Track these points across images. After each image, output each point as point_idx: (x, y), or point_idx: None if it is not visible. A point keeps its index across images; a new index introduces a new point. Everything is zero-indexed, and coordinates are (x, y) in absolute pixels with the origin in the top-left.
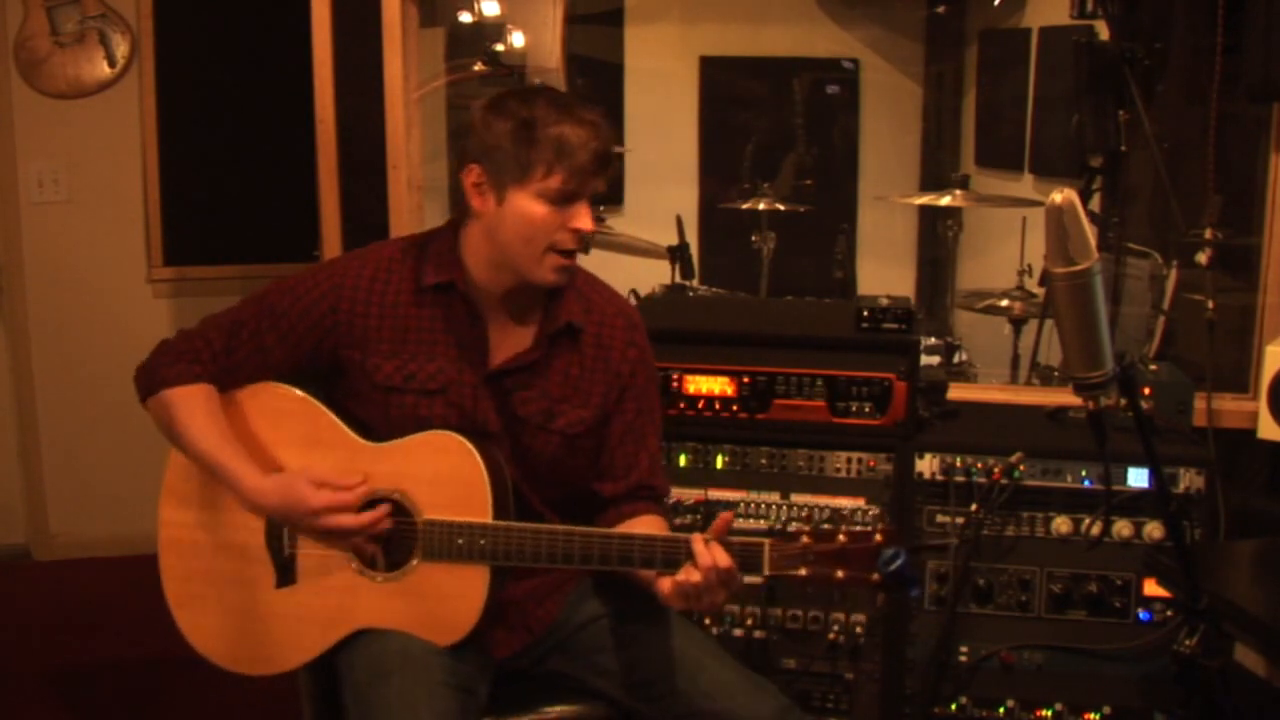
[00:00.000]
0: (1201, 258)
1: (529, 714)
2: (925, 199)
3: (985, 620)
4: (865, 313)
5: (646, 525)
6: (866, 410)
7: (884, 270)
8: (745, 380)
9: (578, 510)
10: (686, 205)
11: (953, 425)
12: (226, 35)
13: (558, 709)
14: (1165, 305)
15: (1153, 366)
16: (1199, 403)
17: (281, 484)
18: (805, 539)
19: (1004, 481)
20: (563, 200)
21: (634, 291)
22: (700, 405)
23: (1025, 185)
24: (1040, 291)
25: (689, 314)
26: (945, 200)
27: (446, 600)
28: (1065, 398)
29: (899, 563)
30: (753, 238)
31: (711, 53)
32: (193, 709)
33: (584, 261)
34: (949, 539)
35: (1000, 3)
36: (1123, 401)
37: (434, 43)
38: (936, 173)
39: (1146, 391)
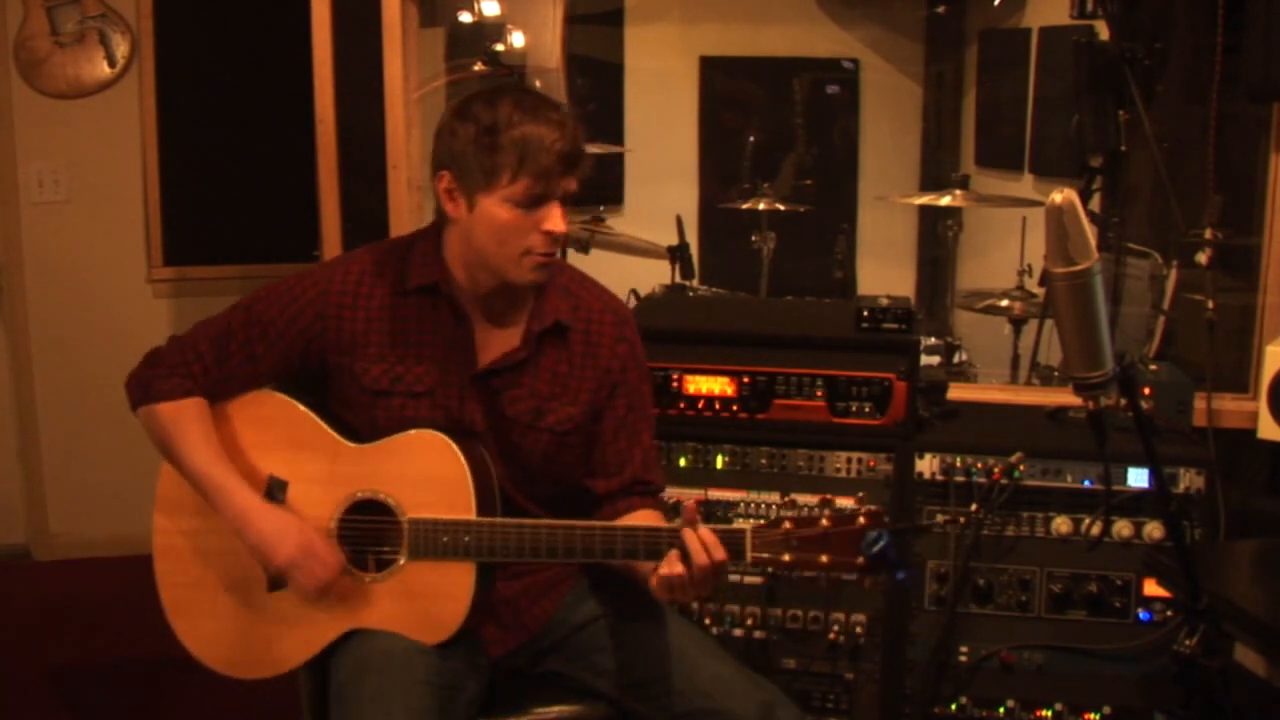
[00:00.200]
0: (1201, 258)
1: (527, 714)
2: (925, 199)
3: (985, 620)
4: (865, 313)
5: (640, 519)
6: (866, 410)
7: (884, 270)
8: (745, 380)
9: (569, 509)
10: (686, 205)
11: (953, 425)
12: (226, 35)
13: (556, 709)
14: (1165, 305)
15: (1153, 366)
16: (1199, 403)
17: (277, 520)
18: (788, 524)
19: (1004, 481)
20: (531, 203)
21: (634, 291)
22: (700, 405)
23: (1025, 185)
24: (1040, 291)
25: (689, 314)
26: (945, 200)
27: (434, 598)
28: (1065, 398)
29: (882, 544)
30: (753, 238)
31: (711, 53)
32: (193, 709)
33: (585, 261)
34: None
35: (1000, 3)
36: (1123, 401)
37: (434, 43)
38: (936, 173)
39: (1146, 391)
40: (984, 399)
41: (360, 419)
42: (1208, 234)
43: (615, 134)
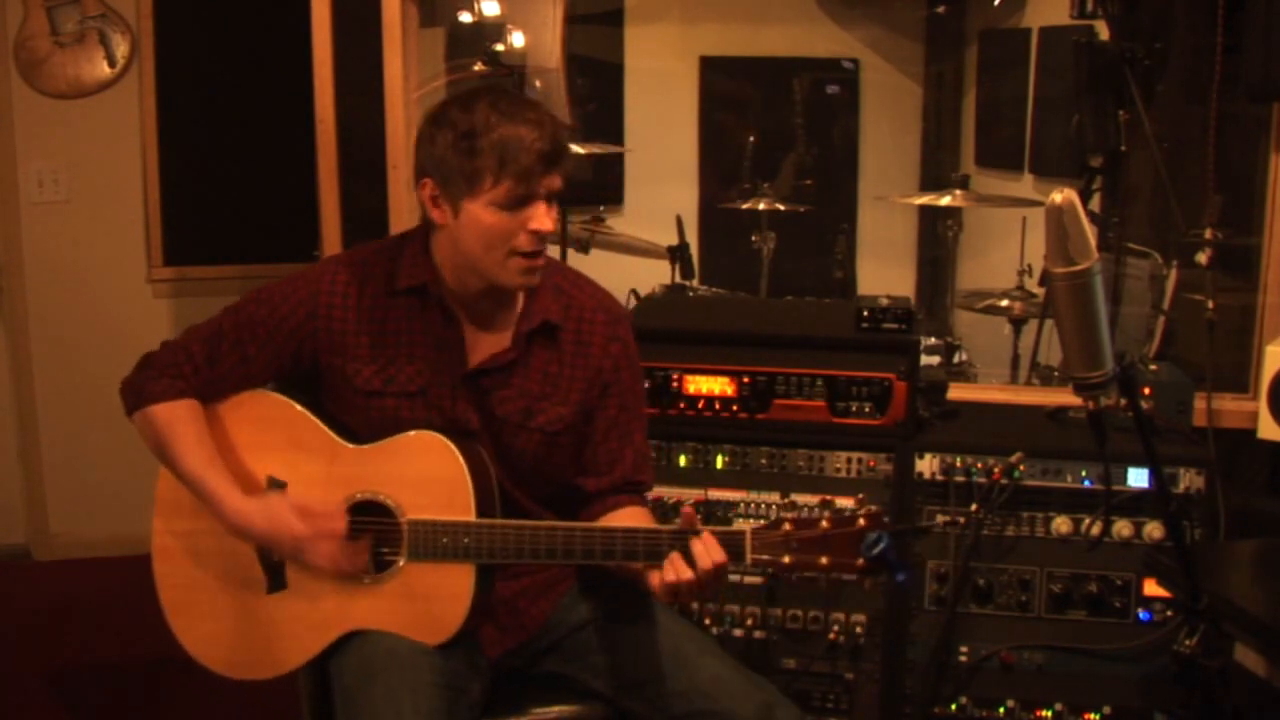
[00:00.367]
0: (1201, 258)
1: (527, 715)
2: (925, 199)
3: (985, 620)
4: (865, 313)
5: (630, 517)
6: (866, 410)
7: (884, 270)
8: (745, 380)
9: (566, 506)
10: (686, 205)
11: (953, 425)
12: (226, 35)
13: (555, 709)
14: (1165, 305)
15: (1153, 366)
16: (1199, 403)
17: (265, 509)
18: (788, 526)
19: (1004, 481)
20: (515, 204)
21: (634, 291)
22: (700, 405)
23: (1025, 185)
24: (1040, 291)
25: (689, 314)
26: (945, 200)
27: (434, 600)
28: (1065, 398)
29: (882, 546)
30: (753, 238)
31: (711, 53)
32: (193, 709)
33: (585, 261)
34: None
35: (1000, 3)
36: (1123, 401)
37: (434, 43)
38: (936, 173)
39: (1146, 391)
40: (984, 399)
41: (356, 420)
42: (1208, 234)
43: (615, 134)
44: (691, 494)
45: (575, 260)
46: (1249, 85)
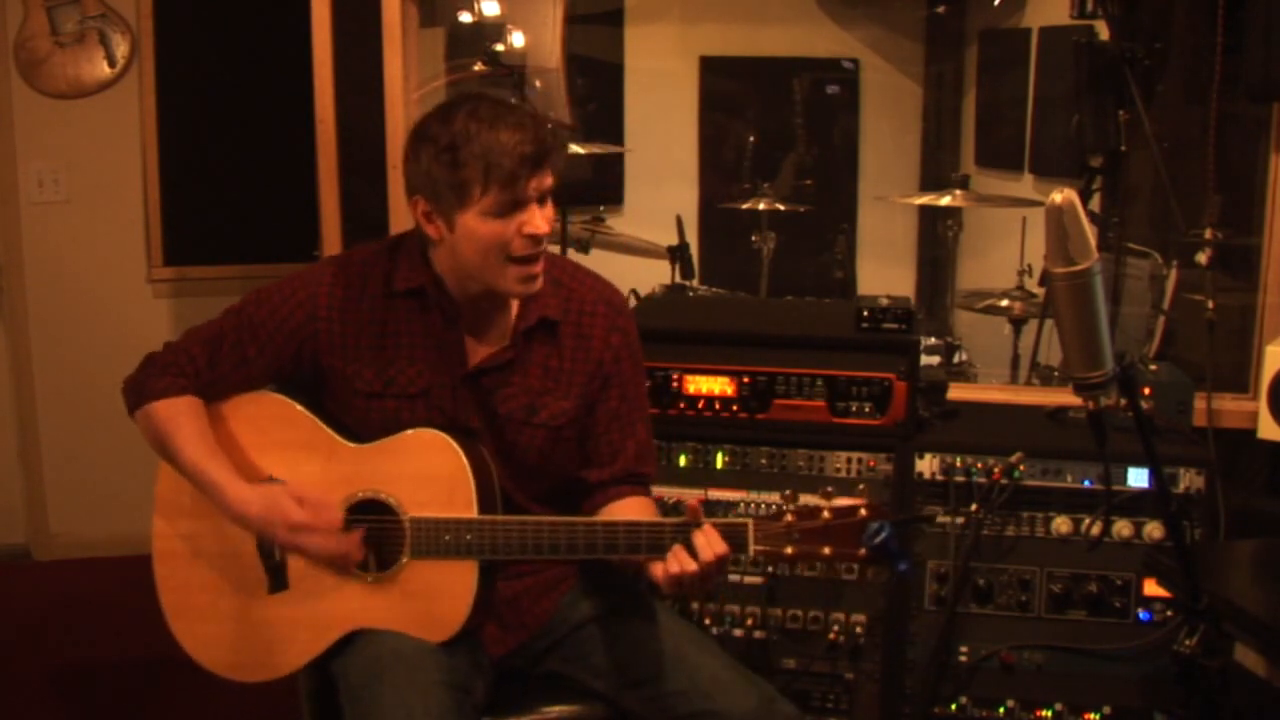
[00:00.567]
0: (1201, 258)
1: (527, 714)
2: (925, 199)
3: (985, 620)
4: (865, 313)
5: (632, 508)
6: (866, 410)
7: (884, 270)
8: (745, 380)
9: (567, 505)
10: (686, 205)
11: (953, 425)
12: (226, 35)
13: (556, 709)
14: (1165, 305)
15: (1153, 366)
16: (1199, 403)
17: (264, 495)
18: (790, 517)
19: (1004, 481)
20: (507, 210)
21: (634, 291)
22: (700, 405)
23: (1025, 185)
24: (1040, 291)
25: (689, 314)
26: (945, 200)
27: (437, 597)
28: (1065, 398)
29: (884, 535)
30: (753, 238)
31: (711, 53)
32: (193, 709)
33: (585, 261)
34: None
35: (1000, 3)
36: (1123, 401)
37: (434, 43)
38: (936, 173)
39: (1146, 391)
40: (984, 399)
41: (356, 421)
42: (1208, 234)
43: (615, 134)
44: (691, 494)
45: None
46: (1249, 85)
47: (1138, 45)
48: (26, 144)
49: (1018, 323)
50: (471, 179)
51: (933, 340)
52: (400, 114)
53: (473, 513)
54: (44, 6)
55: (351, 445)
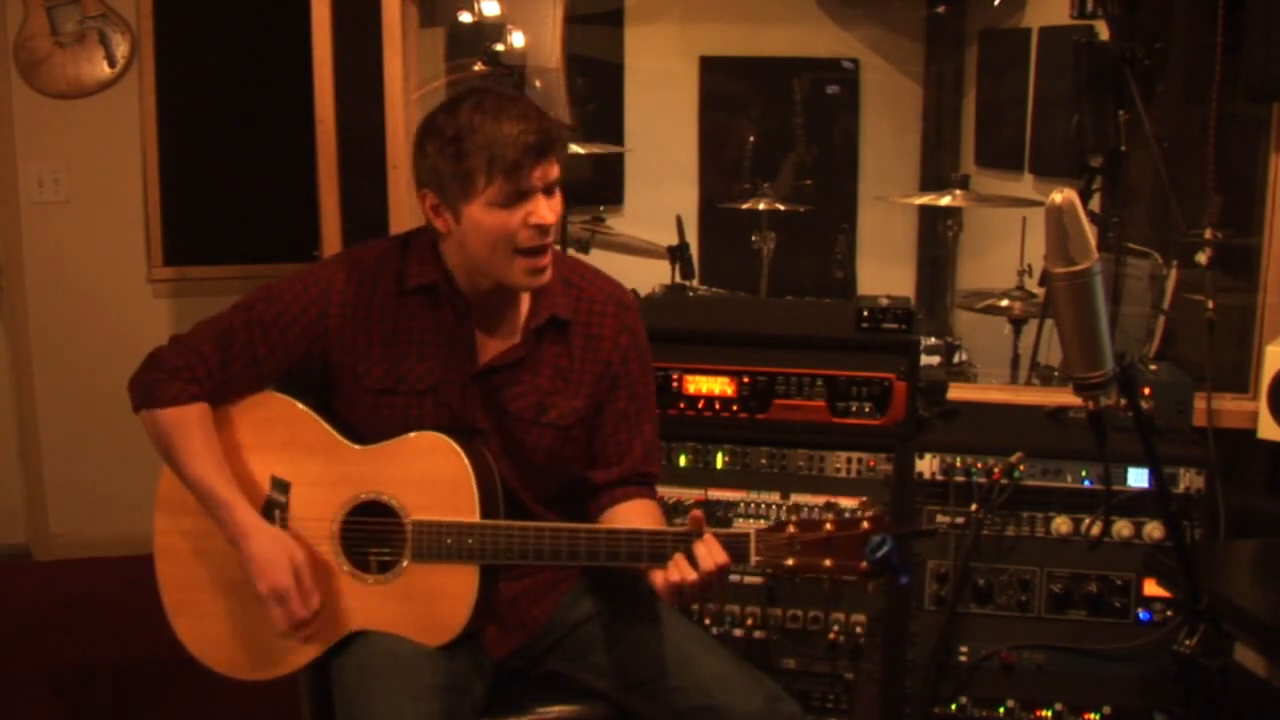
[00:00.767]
0: (1201, 258)
1: (527, 714)
2: (925, 199)
3: (985, 620)
4: (865, 313)
5: (638, 510)
6: (866, 410)
7: (884, 270)
8: (745, 380)
9: (570, 504)
10: (686, 205)
11: (953, 425)
12: (226, 35)
13: (556, 709)
14: (1165, 305)
15: (1153, 366)
16: (1199, 403)
17: (272, 543)
18: (792, 528)
19: (1004, 481)
20: (513, 201)
21: (634, 292)
22: (700, 405)
23: (1025, 185)
24: (1040, 291)
25: (689, 314)
26: (945, 200)
27: (438, 600)
28: (1065, 398)
29: (886, 549)
30: (753, 238)
31: (711, 53)
32: (193, 709)
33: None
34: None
35: (1000, 3)
36: (1123, 401)
37: (434, 43)
38: (936, 173)
39: (1146, 391)
40: (984, 399)
41: (363, 419)
42: (1208, 234)
43: (615, 134)
44: (691, 494)
45: None
46: (1249, 85)
47: (1138, 45)
48: (26, 144)
49: (1018, 323)
50: (476, 169)
51: (933, 340)
52: (400, 114)
53: (475, 517)
54: (44, 6)
55: (355, 447)
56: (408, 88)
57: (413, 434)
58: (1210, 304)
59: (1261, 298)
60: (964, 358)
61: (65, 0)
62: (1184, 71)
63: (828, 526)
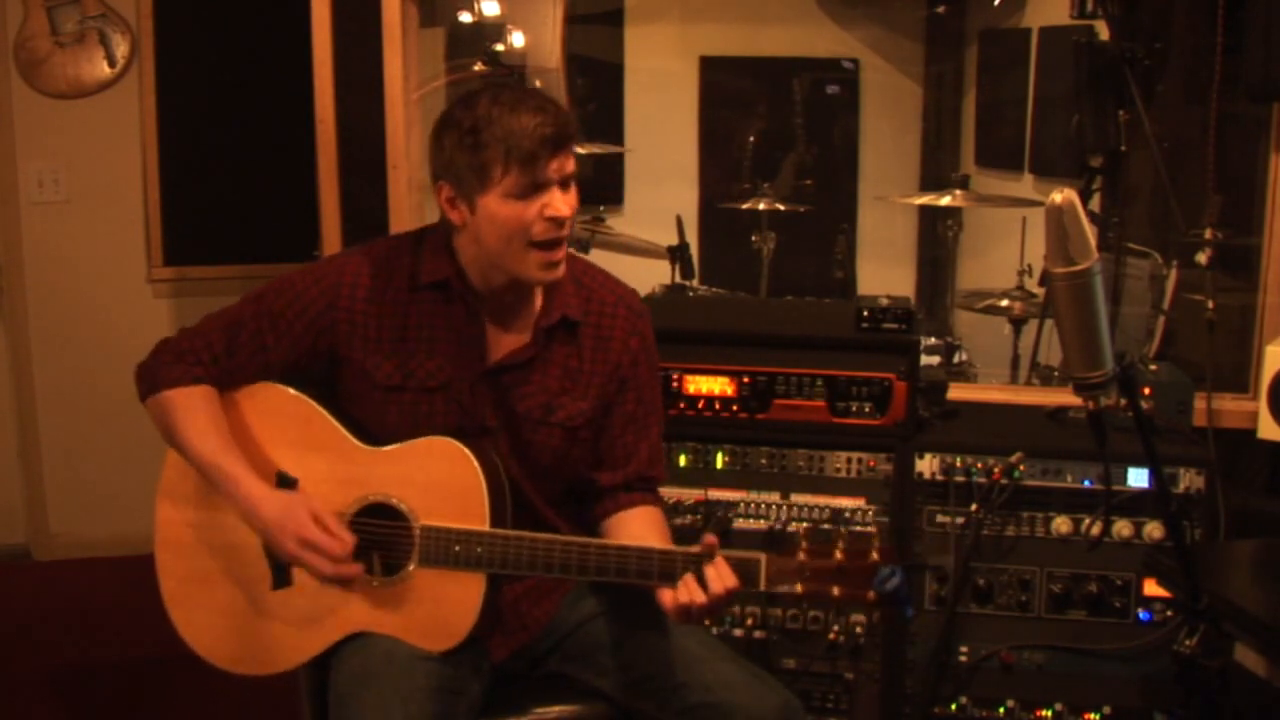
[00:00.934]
0: (1201, 258)
1: (527, 715)
2: (925, 199)
3: (985, 620)
4: (865, 313)
5: (642, 519)
6: (866, 410)
7: (884, 270)
8: (745, 380)
9: (576, 505)
10: (686, 205)
11: (953, 425)
12: (226, 35)
13: (556, 709)
14: (1165, 305)
15: (1153, 366)
16: (1199, 403)
17: (282, 501)
18: (802, 555)
19: (1004, 481)
20: (529, 192)
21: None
22: (700, 405)
23: (1025, 185)
24: (1040, 291)
25: (689, 314)
26: (945, 200)
27: (442, 607)
28: (1065, 398)
29: (895, 581)
30: (753, 238)
31: (711, 53)
32: (193, 709)
33: None
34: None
35: (1000, 3)
36: (1123, 401)
37: (434, 43)
38: (936, 173)
39: (1146, 391)
40: (984, 399)
41: (372, 415)
42: (1208, 234)
43: (615, 134)
44: (691, 494)
45: None
46: (1249, 85)
47: (1138, 45)
48: (26, 144)
49: (1018, 323)
50: (492, 160)
51: (933, 340)
52: (400, 114)
53: (485, 525)
54: (44, 6)
55: (365, 447)
56: (408, 88)
57: (425, 438)
58: (1210, 304)
59: (1261, 298)
60: (964, 358)
61: (65, 0)
62: (1184, 71)
63: (838, 555)
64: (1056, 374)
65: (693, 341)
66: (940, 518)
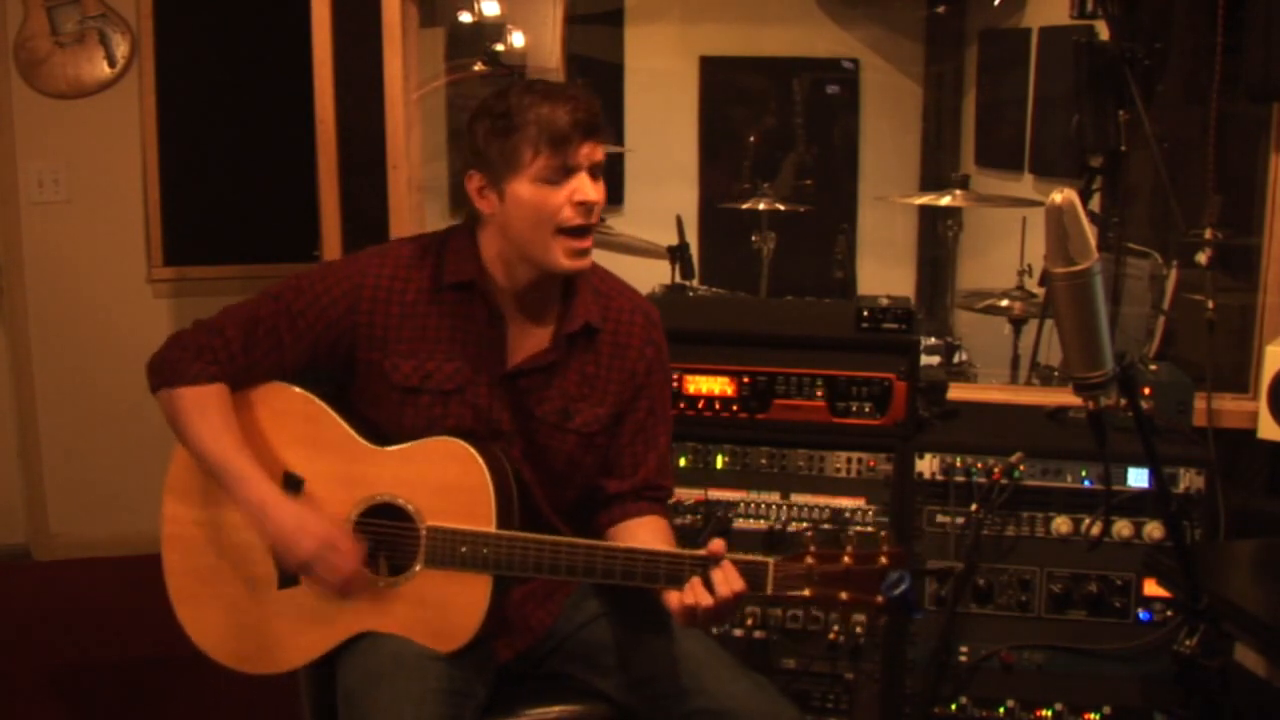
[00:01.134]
0: (1201, 258)
1: (528, 715)
2: (925, 199)
3: (985, 620)
4: (865, 313)
5: (649, 528)
6: (866, 410)
7: (884, 270)
8: (745, 380)
9: (585, 513)
10: (686, 205)
11: (953, 425)
12: (226, 35)
13: (557, 709)
14: (1165, 305)
15: (1153, 366)
16: (1199, 403)
17: (294, 513)
18: (809, 559)
19: (1004, 481)
20: (559, 176)
21: None
22: (700, 405)
23: (1025, 185)
24: (1040, 291)
25: (689, 314)
26: (945, 200)
27: (448, 608)
28: (1065, 398)
29: (903, 587)
30: (753, 238)
31: (711, 53)
32: (193, 709)
33: None
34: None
35: (1000, 3)
36: (1123, 401)
37: (434, 43)
38: (936, 173)
39: (1146, 391)
40: (984, 399)
41: (386, 416)
42: (1208, 234)
43: (615, 134)
44: (691, 494)
45: None
46: (1249, 85)
47: (1138, 45)
48: (26, 144)
49: (1018, 323)
50: (524, 142)
51: (933, 340)
52: (400, 114)
53: (491, 527)
54: (44, 6)
55: (372, 447)
56: (408, 88)
57: (431, 438)
58: (1210, 304)
59: (1261, 298)
60: (964, 358)
61: (65, 0)
62: (1184, 71)
63: (846, 559)
64: (1056, 374)
65: (693, 341)
66: (940, 518)
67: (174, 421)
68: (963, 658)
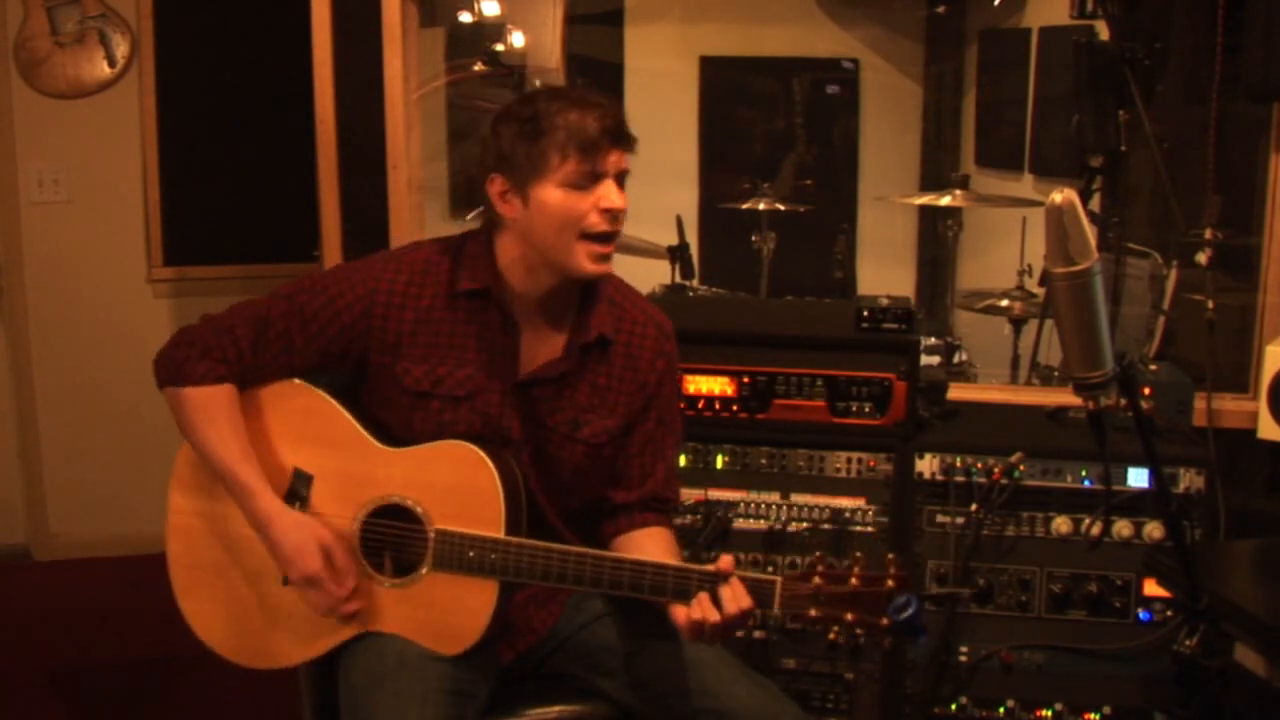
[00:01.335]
0: (1201, 258)
1: (530, 714)
2: (925, 199)
3: (985, 620)
4: (865, 313)
5: (654, 539)
6: (866, 410)
7: (884, 270)
8: (745, 380)
9: (589, 522)
10: (686, 205)
11: (953, 425)
12: (226, 35)
13: (558, 709)
14: (1165, 305)
15: (1153, 366)
16: (1199, 403)
17: (295, 526)
18: (818, 579)
19: (1004, 481)
20: (585, 182)
21: None
22: (700, 405)
23: (1025, 185)
24: (1040, 291)
25: (689, 314)
26: (945, 200)
27: (453, 611)
28: (1065, 398)
29: (910, 611)
30: (753, 238)
31: (711, 53)
32: (193, 709)
33: None
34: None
35: (1000, 3)
36: (1123, 401)
37: (434, 43)
38: (936, 173)
39: (1146, 391)
40: (984, 399)
41: (396, 419)
42: (1208, 234)
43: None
44: (692, 494)
45: None
46: (1249, 85)
47: (1138, 45)
48: (26, 144)
49: (1018, 323)
50: (552, 147)
51: (933, 340)
52: (400, 114)
53: (500, 532)
54: (44, 6)
55: (383, 447)
56: (408, 88)
57: (443, 441)
58: (1210, 304)
59: (1261, 298)
60: (964, 358)
61: (65, 0)
62: (1184, 71)
63: (853, 581)
64: (1056, 374)
65: (693, 341)
66: (940, 518)
67: (180, 421)
68: (963, 658)
